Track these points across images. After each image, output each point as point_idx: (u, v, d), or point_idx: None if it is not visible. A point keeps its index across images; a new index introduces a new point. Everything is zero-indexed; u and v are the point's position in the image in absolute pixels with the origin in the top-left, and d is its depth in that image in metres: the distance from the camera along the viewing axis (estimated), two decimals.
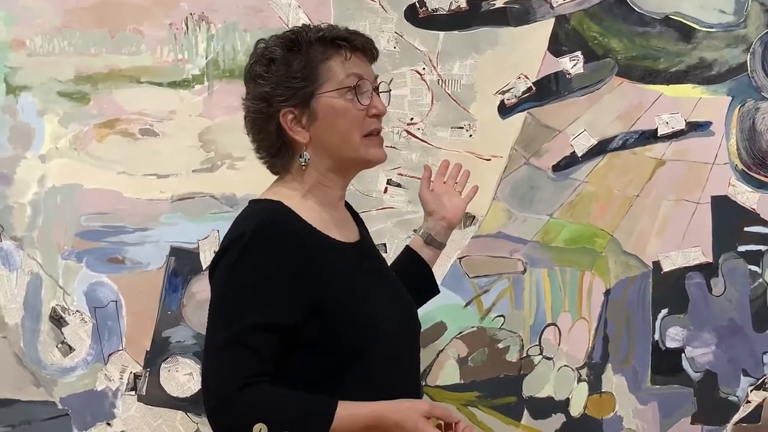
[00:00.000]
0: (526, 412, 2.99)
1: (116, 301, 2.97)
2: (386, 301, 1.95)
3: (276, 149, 1.92)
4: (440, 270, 2.96)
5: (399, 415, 1.76)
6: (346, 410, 1.75)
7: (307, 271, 1.80)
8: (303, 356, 1.82)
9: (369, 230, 2.21)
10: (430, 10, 2.97)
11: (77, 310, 2.98)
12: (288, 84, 1.87)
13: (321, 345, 1.82)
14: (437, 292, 2.39)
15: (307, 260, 1.81)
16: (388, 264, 2.23)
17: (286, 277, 1.78)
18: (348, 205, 2.10)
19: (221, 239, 1.90)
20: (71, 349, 2.98)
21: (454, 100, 2.98)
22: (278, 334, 1.77)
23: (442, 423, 1.83)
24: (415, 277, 2.24)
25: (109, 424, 2.98)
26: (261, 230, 1.80)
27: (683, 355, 2.98)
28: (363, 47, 1.94)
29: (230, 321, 1.76)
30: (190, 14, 2.96)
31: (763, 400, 2.98)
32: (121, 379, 2.98)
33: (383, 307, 1.91)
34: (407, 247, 2.32)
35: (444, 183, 2.38)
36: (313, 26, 1.95)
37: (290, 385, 1.80)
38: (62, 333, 2.98)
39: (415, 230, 2.30)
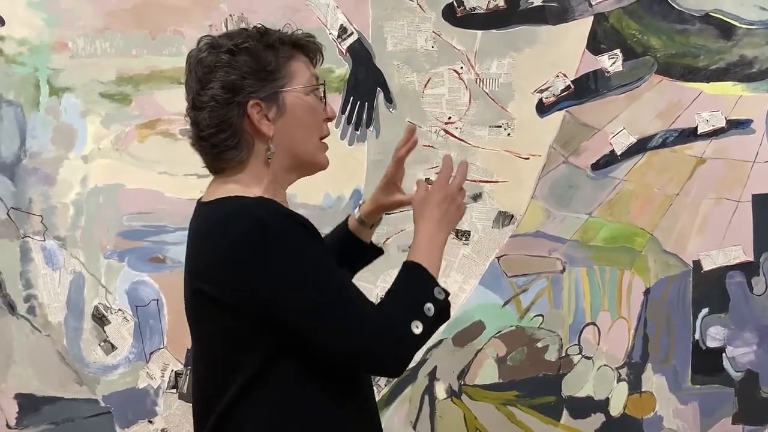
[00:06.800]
0: (565, 412, 2.98)
1: (158, 300, 3.00)
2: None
3: (236, 141, 1.84)
4: (478, 269, 2.98)
5: (436, 210, 1.88)
6: (419, 252, 1.85)
7: (318, 238, 1.81)
8: None
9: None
10: (467, 9, 2.97)
11: (119, 309, 3.01)
12: (259, 75, 1.84)
13: None
14: (382, 252, 2.28)
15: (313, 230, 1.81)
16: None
17: (317, 243, 1.79)
18: None
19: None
20: (113, 347, 3.02)
21: (492, 99, 2.98)
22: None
23: None
24: (356, 251, 2.22)
25: (150, 422, 3.02)
26: (270, 217, 1.76)
27: (724, 354, 2.96)
28: (317, 53, 1.95)
29: (320, 291, 1.74)
30: (230, 15, 2.99)
31: None
32: (163, 377, 3.01)
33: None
34: (344, 226, 2.23)
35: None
36: (268, 29, 1.91)
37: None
38: (104, 331, 3.01)
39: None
